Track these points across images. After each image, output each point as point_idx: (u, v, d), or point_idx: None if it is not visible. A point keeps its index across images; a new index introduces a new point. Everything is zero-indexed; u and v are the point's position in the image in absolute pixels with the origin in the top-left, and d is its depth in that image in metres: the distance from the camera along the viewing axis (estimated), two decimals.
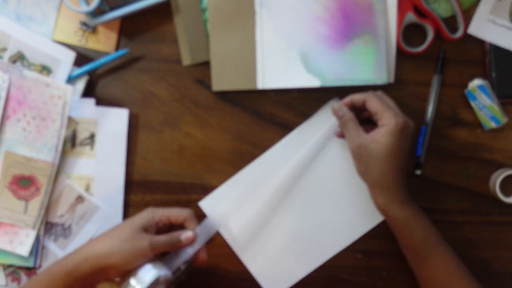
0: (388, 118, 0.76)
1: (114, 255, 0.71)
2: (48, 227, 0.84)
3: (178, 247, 0.76)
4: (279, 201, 0.85)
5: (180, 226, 0.78)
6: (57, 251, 0.84)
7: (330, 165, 0.85)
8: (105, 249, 0.72)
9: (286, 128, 0.85)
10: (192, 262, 0.79)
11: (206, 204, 0.85)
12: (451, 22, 0.85)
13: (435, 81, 0.85)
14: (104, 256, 0.71)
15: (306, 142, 0.85)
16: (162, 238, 0.74)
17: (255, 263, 0.85)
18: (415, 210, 0.78)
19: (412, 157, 0.82)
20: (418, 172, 0.85)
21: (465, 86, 0.85)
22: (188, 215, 0.77)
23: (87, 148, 0.84)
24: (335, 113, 0.81)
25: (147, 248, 0.72)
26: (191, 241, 0.76)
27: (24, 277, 0.83)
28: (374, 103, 0.78)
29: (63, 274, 0.72)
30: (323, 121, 0.84)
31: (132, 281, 0.71)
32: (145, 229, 0.74)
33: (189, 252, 0.77)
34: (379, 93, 0.80)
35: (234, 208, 0.85)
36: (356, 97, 0.80)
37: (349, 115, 0.80)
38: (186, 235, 0.76)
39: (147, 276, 0.71)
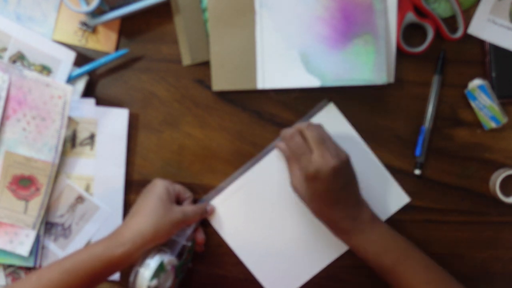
0: (300, 167, 0.77)
1: (158, 231, 0.76)
2: (48, 227, 0.84)
3: (203, 217, 0.83)
4: (282, 206, 0.85)
5: (180, 203, 0.84)
6: (57, 251, 0.84)
7: None
8: (149, 228, 0.75)
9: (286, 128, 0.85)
10: (194, 249, 0.84)
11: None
12: (451, 22, 0.85)
13: (435, 81, 0.85)
14: (150, 235, 0.75)
15: None
16: (192, 207, 0.81)
17: (259, 267, 0.85)
18: (366, 237, 0.78)
19: (351, 184, 0.79)
20: (418, 172, 0.85)
21: (465, 86, 0.85)
22: (191, 195, 0.84)
23: (87, 148, 0.84)
24: (279, 148, 0.83)
25: (181, 219, 0.78)
26: (212, 213, 0.85)
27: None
28: (288, 147, 0.79)
29: (110, 257, 0.73)
30: (325, 124, 0.85)
31: (141, 269, 0.75)
32: (171, 199, 0.80)
33: (187, 233, 0.82)
34: (305, 127, 0.79)
35: (238, 213, 0.86)
36: (296, 128, 0.80)
37: (290, 153, 0.80)
38: (210, 206, 0.84)
39: (152, 262, 0.76)
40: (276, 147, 0.83)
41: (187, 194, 0.84)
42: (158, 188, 0.79)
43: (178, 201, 0.83)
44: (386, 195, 0.85)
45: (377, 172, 0.85)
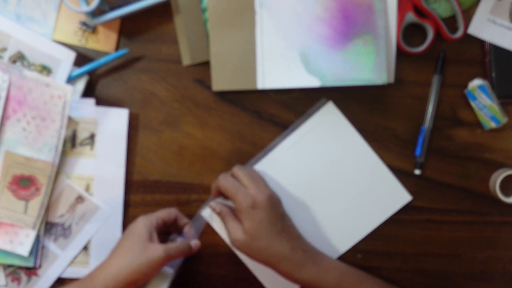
0: (238, 204, 0.77)
1: (133, 273, 0.72)
2: (48, 227, 0.84)
3: (188, 253, 0.78)
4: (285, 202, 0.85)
5: (172, 224, 0.81)
6: (57, 251, 0.84)
7: (330, 168, 0.85)
8: (123, 270, 0.72)
9: (286, 128, 0.85)
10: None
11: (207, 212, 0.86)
12: (451, 22, 0.85)
13: (435, 81, 0.85)
14: (123, 277, 0.72)
15: (306, 146, 0.85)
16: (176, 244, 0.76)
17: (261, 268, 0.85)
18: (322, 267, 0.78)
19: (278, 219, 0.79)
20: (418, 172, 0.85)
21: (465, 86, 0.85)
22: (177, 213, 0.81)
23: (87, 148, 0.84)
24: (213, 210, 0.82)
25: (163, 257, 0.73)
26: (199, 247, 0.79)
27: (24, 277, 0.84)
28: (223, 188, 0.79)
29: None
30: (319, 123, 0.85)
31: None
32: (151, 237, 0.75)
33: (177, 263, 0.81)
34: (235, 169, 0.81)
35: None
36: (217, 185, 0.81)
37: (224, 210, 0.80)
38: (195, 243, 0.79)
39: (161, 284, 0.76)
40: (209, 207, 0.82)
41: (172, 214, 0.80)
42: (136, 227, 0.76)
43: (169, 227, 0.81)
44: (387, 193, 0.85)
45: (378, 171, 0.85)
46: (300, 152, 0.85)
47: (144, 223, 0.76)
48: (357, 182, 0.85)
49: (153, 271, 0.74)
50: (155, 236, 0.76)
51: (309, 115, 0.85)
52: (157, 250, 0.73)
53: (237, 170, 0.81)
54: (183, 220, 0.81)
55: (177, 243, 0.77)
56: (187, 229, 0.80)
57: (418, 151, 0.85)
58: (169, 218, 0.80)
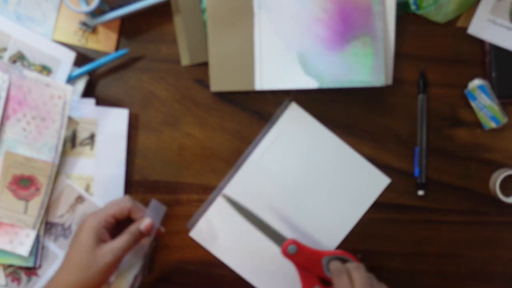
0: None
1: (86, 285, 0.71)
2: (48, 227, 0.84)
3: (141, 238, 0.76)
4: (269, 211, 0.85)
5: (127, 220, 0.77)
6: (57, 251, 0.84)
7: (307, 166, 0.85)
8: (73, 285, 0.71)
9: None
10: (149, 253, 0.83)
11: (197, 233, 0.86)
12: None
13: (420, 101, 0.84)
14: None
15: (279, 149, 0.85)
16: (122, 240, 0.73)
17: (261, 279, 0.85)
18: None
19: None
20: (421, 193, 0.85)
21: (465, 86, 0.85)
22: (131, 205, 0.76)
23: (87, 148, 0.84)
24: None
25: (112, 260, 0.72)
26: (151, 228, 0.76)
27: (24, 277, 0.84)
28: (355, 280, 0.73)
29: None
30: (287, 125, 0.85)
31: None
32: (99, 239, 0.73)
33: (149, 238, 0.78)
34: (354, 271, 0.74)
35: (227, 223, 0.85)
36: (345, 268, 0.76)
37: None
38: (144, 224, 0.76)
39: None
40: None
41: (126, 206, 0.76)
42: (81, 234, 0.73)
43: (125, 222, 0.77)
44: (366, 180, 0.85)
45: (354, 161, 0.85)
46: (274, 156, 0.85)
47: (89, 227, 0.73)
48: (335, 175, 0.85)
49: (107, 276, 0.72)
50: (106, 235, 0.74)
51: (276, 119, 0.85)
52: (105, 256, 0.71)
53: (355, 271, 0.74)
54: (138, 213, 0.77)
55: (123, 237, 0.73)
56: (147, 223, 0.76)
57: (416, 172, 0.85)
58: (122, 214, 0.76)
